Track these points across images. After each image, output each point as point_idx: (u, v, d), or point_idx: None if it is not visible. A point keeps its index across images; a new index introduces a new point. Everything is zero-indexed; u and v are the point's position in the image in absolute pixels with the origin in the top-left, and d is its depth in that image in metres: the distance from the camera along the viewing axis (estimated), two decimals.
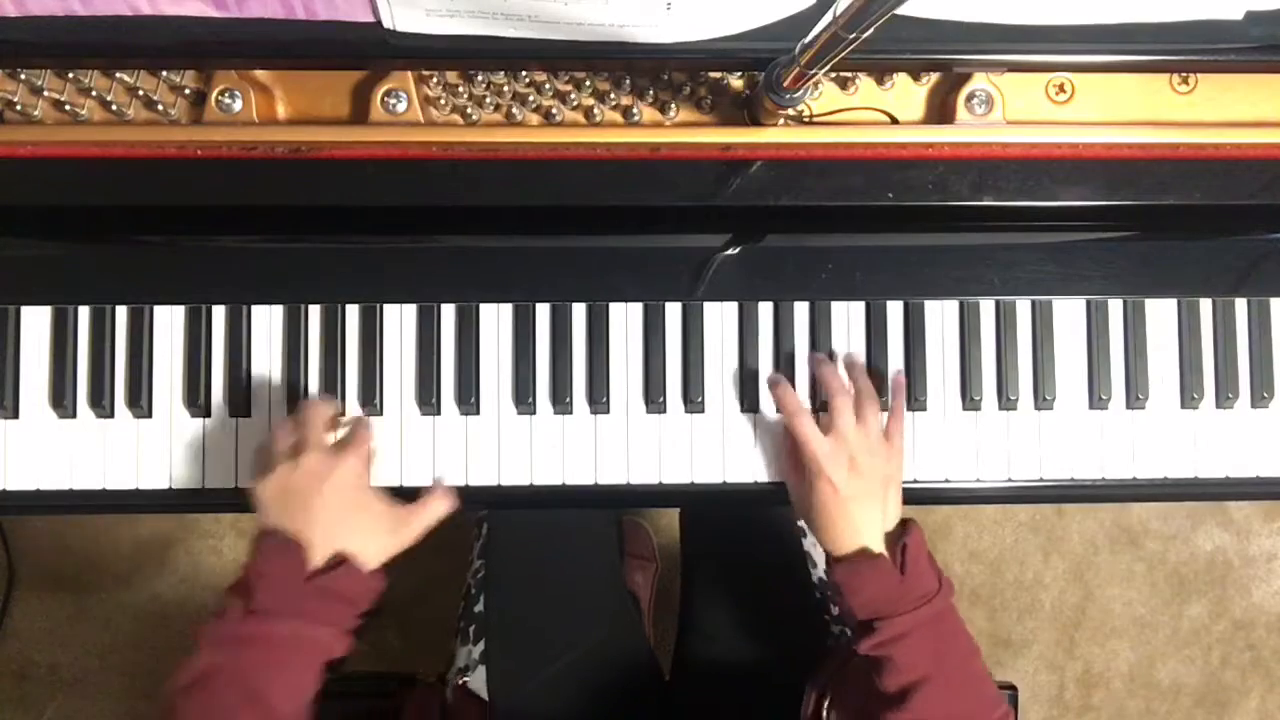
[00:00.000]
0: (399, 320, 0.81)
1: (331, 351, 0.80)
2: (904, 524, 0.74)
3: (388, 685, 1.13)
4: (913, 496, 0.79)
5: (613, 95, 0.75)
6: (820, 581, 0.97)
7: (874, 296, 0.81)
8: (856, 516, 0.72)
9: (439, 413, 0.81)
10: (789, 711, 0.87)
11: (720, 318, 0.81)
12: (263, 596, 0.63)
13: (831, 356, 0.81)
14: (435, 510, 0.75)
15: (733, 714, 0.92)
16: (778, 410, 0.79)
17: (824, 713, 0.81)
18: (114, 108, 0.73)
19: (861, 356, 0.80)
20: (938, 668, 0.68)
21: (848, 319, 0.82)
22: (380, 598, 0.69)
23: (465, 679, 0.88)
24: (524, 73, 0.74)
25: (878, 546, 0.72)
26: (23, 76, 0.72)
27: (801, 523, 1.01)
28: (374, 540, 0.70)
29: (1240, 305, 0.82)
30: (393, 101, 0.73)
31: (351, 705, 1.12)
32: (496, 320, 0.81)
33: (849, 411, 0.74)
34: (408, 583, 1.63)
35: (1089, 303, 0.82)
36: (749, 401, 0.81)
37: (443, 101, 0.74)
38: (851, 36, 0.49)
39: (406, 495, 0.81)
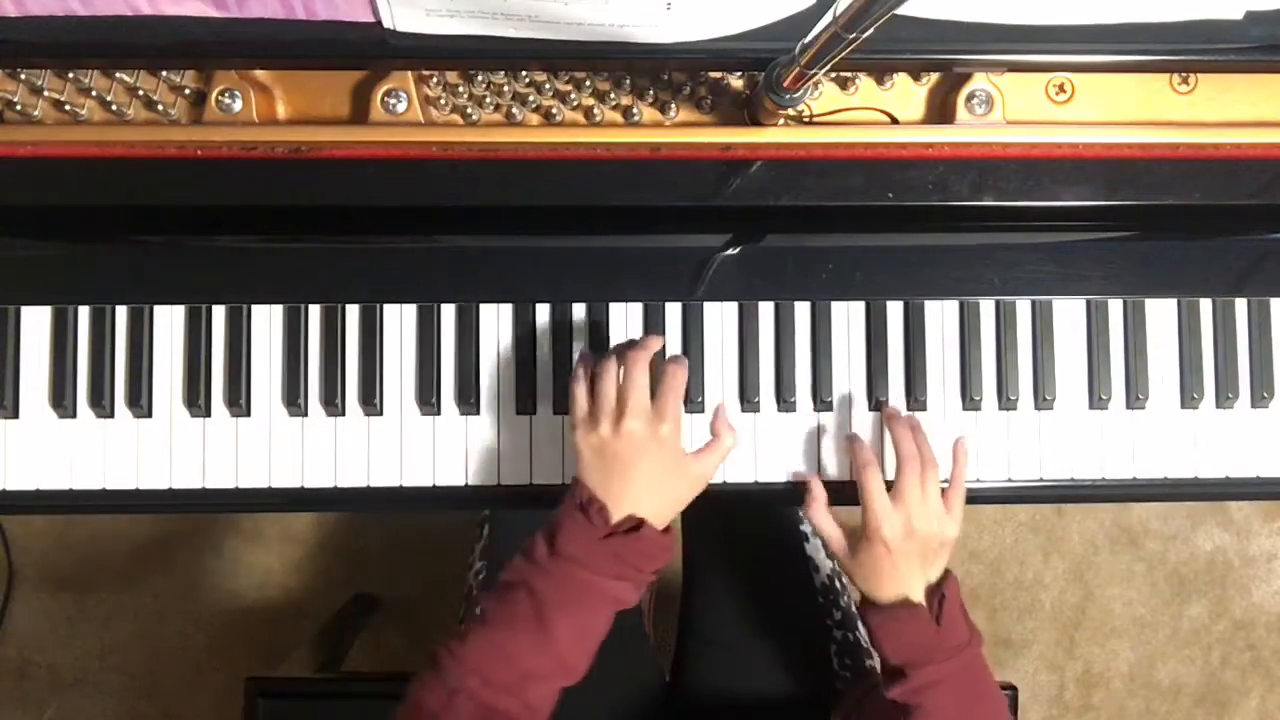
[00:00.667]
0: (399, 320, 0.81)
1: (331, 351, 0.80)
2: (943, 574, 0.74)
3: (388, 685, 1.13)
4: None
5: (613, 95, 0.75)
6: (822, 586, 0.97)
7: (874, 296, 0.81)
8: (903, 573, 0.72)
9: (439, 413, 0.81)
10: (789, 713, 0.87)
11: (720, 318, 0.81)
12: (563, 543, 0.66)
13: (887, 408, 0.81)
14: (724, 447, 0.75)
15: (733, 715, 0.92)
16: (851, 461, 0.78)
17: None
18: (114, 108, 0.73)
19: (919, 423, 0.79)
20: (964, 716, 0.69)
21: (848, 319, 0.82)
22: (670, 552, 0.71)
23: None
24: (524, 73, 0.74)
25: (917, 597, 0.72)
26: (23, 76, 0.72)
27: (805, 527, 1.01)
28: (676, 500, 0.72)
29: (1240, 305, 0.82)
30: (393, 101, 0.73)
31: (352, 705, 1.12)
32: (496, 320, 0.81)
33: (916, 480, 0.74)
34: (411, 584, 1.63)
35: (1089, 303, 0.82)
36: (749, 402, 0.81)
37: (443, 101, 0.74)
38: (851, 36, 0.49)
39: (407, 496, 0.81)
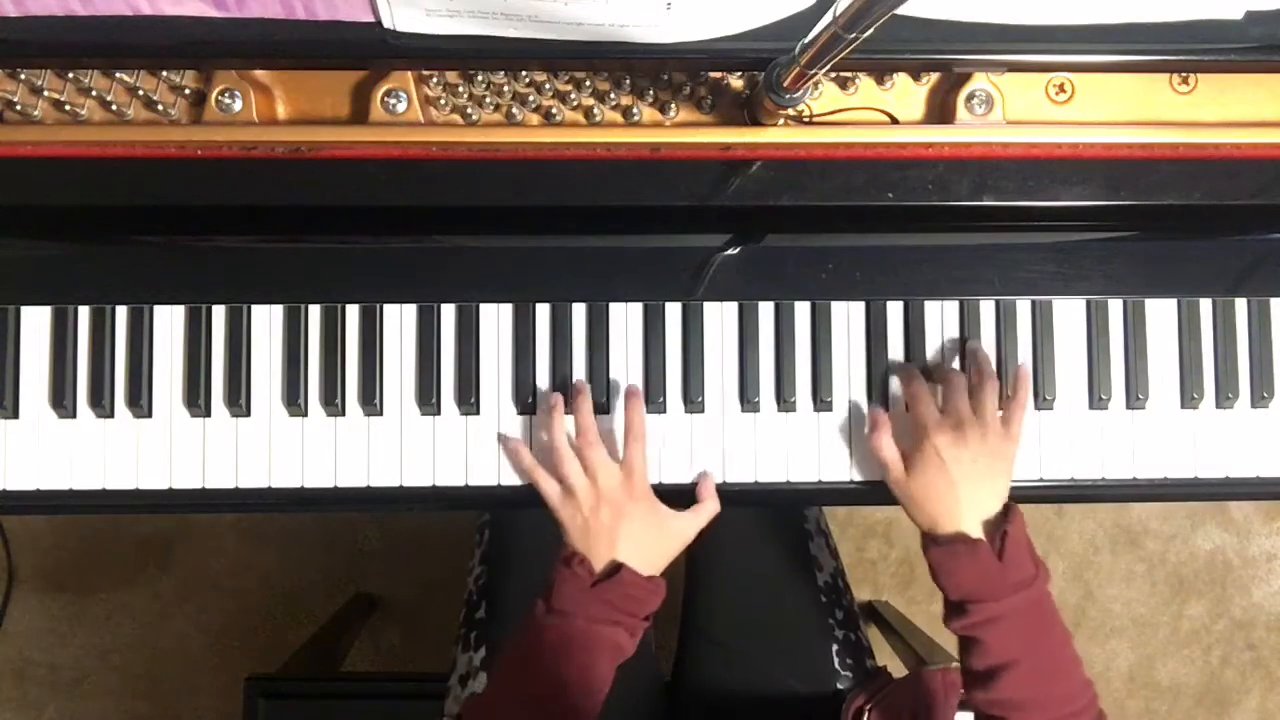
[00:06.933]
0: (399, 320, 0.81)
1: (331, 351, 0.80)
2: (1005, 509, 0.73)
3: (387, 685, 1.13)
4: None
5: (613, 95, 0.75)
6: (825, 586, 0.97)
7: (874, 296, 0.81)
8: (962, 494, 0.71)
9: (439, 413, 0.81)
10: (790, 713, 0.87)
11: (720, 318, 0.81)
12: (556, 599, 0.71)
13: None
14: (708, 511, 0.78)
15: (734, 714, 0.92)
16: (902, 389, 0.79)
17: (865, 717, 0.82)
18: (114, 108, 0.73)
19: (986, 349, 0.80)
20: (1027, 653, 0.68)
21: (848, 319, 0.82)
22: (662, 601, 0.74)
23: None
24: (524, 73, 0.74)
25: (976, 531, 0.71)
26: (23, 76, 0.72)
27: (809, 526, 1.01)
28: (661, 553, 0.76)
29: (1240, 305, 0.82)
30: (393, 101, 0.73)
31: (351, 705, 1.12)
32: (496, 320, 0.81)
33: (963, 387, 0.74)
34: (411, 584, 1.63)
35: (1089, 303, 0.82)
36: (749, 401, 0.81)
37: (443, 101, 0.74)
38: (851, 36, 0.49)
39: (407, 496, 0.81)
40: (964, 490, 0.71)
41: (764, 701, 0.91)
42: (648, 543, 0.74)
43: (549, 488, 0.76)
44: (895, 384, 0.81)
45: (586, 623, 0.70)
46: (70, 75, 0.72)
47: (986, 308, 0.82)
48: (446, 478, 0.80)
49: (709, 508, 0.78)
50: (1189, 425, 0.82)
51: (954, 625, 0.70)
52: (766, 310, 0.81)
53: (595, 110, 0.75)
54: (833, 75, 0.75)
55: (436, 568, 1.62)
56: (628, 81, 0.74)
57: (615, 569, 0.72)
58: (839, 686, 0.91)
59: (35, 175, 0.73)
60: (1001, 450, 0.73)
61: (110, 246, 0.78)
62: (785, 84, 0.63)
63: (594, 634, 0.70)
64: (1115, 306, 0.82)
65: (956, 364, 0.81)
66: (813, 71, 0.58)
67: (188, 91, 0.74)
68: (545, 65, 0.73)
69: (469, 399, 0.80)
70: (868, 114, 0.76)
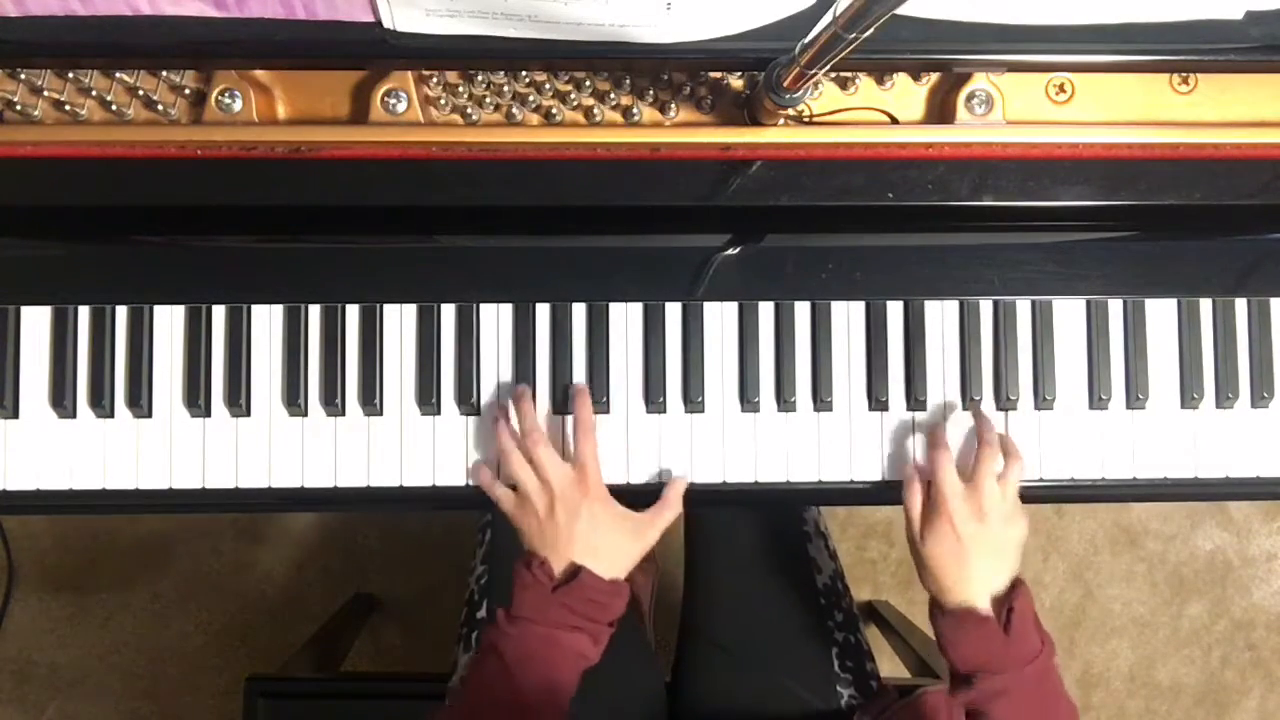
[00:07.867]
0: (399, 320, 0.81)
1: (331, 351, 0.80)
2: (1013, 582, 0.73)
3: (387, 685, 1.13)
4: None
5: (613, 95, 0.75)
6: (824, 588, 0.97)
7: (874, 296, 0.81)
8: (972, 567, 0.72)
9: (439, 413, 0.81)
10: (789, 714, 0.87)
11: (720, 318, 0.81)
12: (517, 606, 0.71)
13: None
14: (669, 513, 0.77)
15: (734, 717, 0.92)
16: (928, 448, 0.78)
17: None
18: (114, 108, 0.73)
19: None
20: None
21: (848, 319, 0.82)
22: (626, 605, 0.74)
23: None
24: (524, 73, 0.74)
25: (985, 604, 0.72)
26: (23, 76, 0.72)
27: (808, 528, 1.01)
28: (621, 555, 0.75)
29: (1240, 305, 0.82)
30: (393, 101, 0.73)
31: (351, 705, 1.12)
32: (496, 320, 0.81)
33: (992, 464, 0.74)
34: (411, 584, 1.63)
35: (1089, 303, 0.82)
36: (749, 401, 0.81)
37: (443, 101, 0.74)
38: (851, 36, 0.49)
39: (407, 496, 0.81)
40: (975, 565, 0.72)
41: (764, 705, 0.91)
42: (607, 544, 0.74)
43: (502, 494, 0.76)
44: (893, 394, 0.81)
45: (548, 629, 0.70)
46: (70, 75, 0.72)
47: (986, 308, 0.82)
48: (446, 478, 0.81)
49: (670, 509, 0.77)
50: (1189, 425, 0.82)
51: (961, 698, 0.71)
52: (766, 310, 0.81)
53: (595, 110, 0.75)
54: (833, 75, 0.75)
55: (436, 568, 1.62)
56: (628, 81, 0.74)
57: (575, 572, 0.71)
58: (839, 689, 0.91)
59: (35, 175, 0.73)
60: (1016, 527, 0.74)
61: (110, 246, 0.78)
62: (785, 84, 0.63)
63: (556, 641, 0.70)
64: (1115, 306, 0.82)
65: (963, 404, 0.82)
66: (813, 71, 0.58)
67: (188, 91, 0.74)
68: (545, 65, 0.73)
69: (469, 399, 0.80)
70: (868, 114, 0.76)
